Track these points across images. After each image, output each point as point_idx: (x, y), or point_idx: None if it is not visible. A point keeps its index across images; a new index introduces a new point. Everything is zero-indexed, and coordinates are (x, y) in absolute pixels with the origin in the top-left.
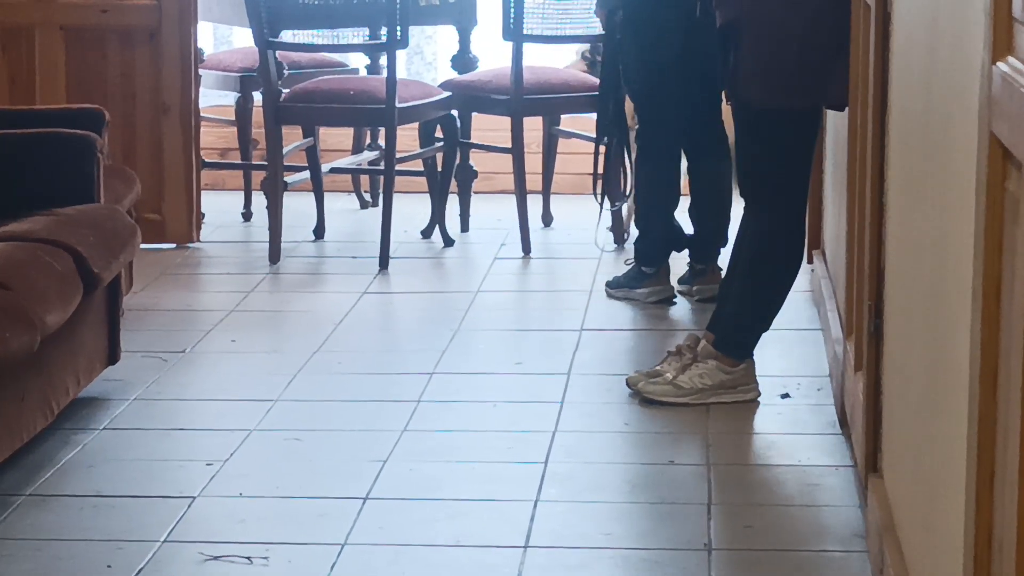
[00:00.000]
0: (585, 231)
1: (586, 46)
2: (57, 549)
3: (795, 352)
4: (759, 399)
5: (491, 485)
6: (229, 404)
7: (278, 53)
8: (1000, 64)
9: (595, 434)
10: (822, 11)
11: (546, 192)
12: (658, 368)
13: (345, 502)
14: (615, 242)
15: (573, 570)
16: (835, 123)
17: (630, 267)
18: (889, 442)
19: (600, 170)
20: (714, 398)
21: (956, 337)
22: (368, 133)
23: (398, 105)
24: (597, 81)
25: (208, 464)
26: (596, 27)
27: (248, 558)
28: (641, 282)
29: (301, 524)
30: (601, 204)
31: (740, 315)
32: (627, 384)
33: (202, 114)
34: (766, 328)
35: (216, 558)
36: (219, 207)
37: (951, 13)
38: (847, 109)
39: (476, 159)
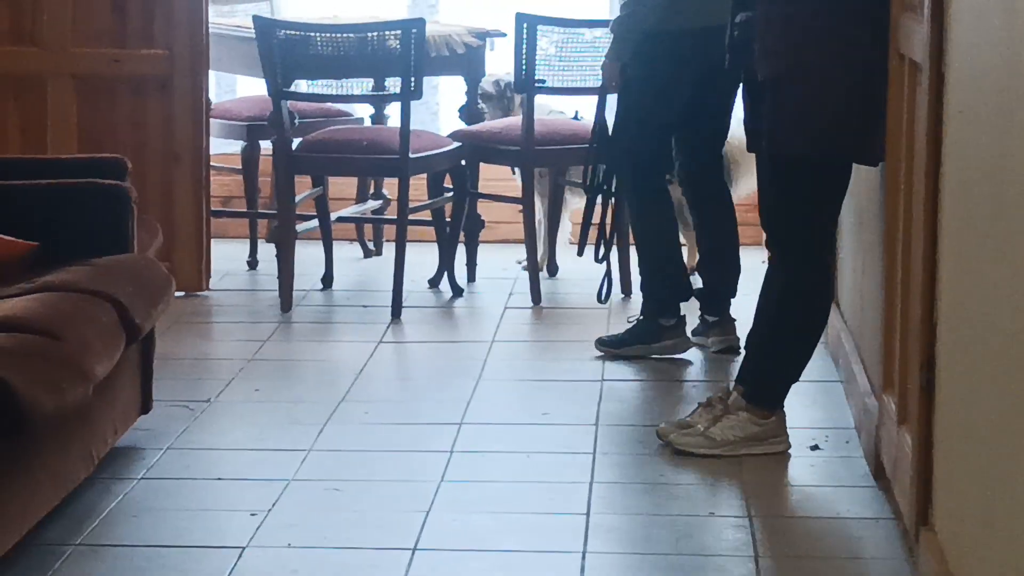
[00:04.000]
0: (591, 281)
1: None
2: None
3: (818, 404)
4: (790, 451)
5: (537, 536)
6: (263, 453)
7: (288, 102)
8: None
9: (632, 485)
10: (869, 66)
11: (552, 242)
12: (688, 419)
13: (394, 553)
14: (621, 293)
15: None
16: (860, 177)
17: (638, 322)
18: (943, 495)
19: (596, 221)
20: (745, 450)
21: None
22: (373, 182)
23: (411, 156)
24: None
25: (252, 514)
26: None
27: None
28: (657, 336)
29: (354, 575)
30: (600, 259)
31: (769, 366)
32: (657, 435)
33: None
34: (796, 379)
35: None
36: (224, 256)
37: None
38: (880, 164)
39: (480, 208)
